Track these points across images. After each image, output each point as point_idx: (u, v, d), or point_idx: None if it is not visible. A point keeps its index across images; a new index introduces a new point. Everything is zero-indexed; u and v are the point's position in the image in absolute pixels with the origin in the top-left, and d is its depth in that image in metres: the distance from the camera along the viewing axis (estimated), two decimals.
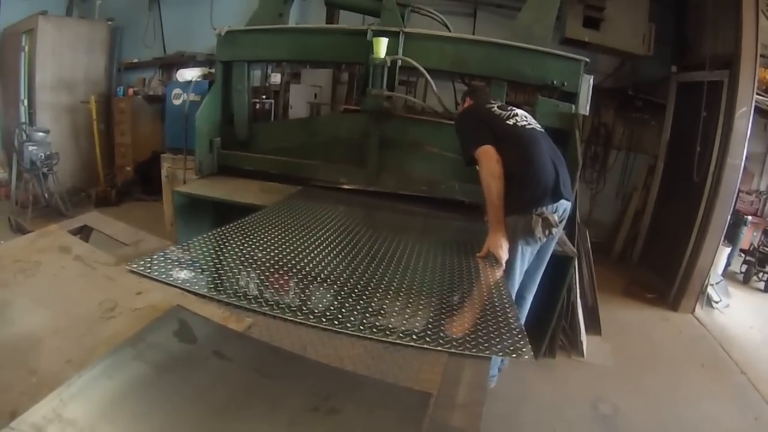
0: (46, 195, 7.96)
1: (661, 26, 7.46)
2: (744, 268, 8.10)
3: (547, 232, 3.39)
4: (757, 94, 6.31)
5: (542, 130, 3.70)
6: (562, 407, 4.23)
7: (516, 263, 3.46)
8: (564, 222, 3.66)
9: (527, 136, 3.51)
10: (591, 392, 4.46)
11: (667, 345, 5.72)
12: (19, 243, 2.66)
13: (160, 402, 1.53)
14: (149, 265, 2.42)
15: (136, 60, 10.06)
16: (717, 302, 6.85)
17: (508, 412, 3.99)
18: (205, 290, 2.25)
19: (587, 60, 4.53)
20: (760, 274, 7.95)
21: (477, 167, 3.46)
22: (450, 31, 5.27)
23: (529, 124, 3.62)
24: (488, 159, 3.36)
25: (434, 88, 4.62)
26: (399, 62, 4.57)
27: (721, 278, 7.25)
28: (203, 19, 8.89)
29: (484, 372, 1.91)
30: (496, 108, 3.68)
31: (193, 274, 2.46)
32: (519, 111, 3.70)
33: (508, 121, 3.55)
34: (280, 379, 1.71)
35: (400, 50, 4.58)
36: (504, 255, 3.31)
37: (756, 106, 6.31)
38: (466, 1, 8.37)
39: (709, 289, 6.76)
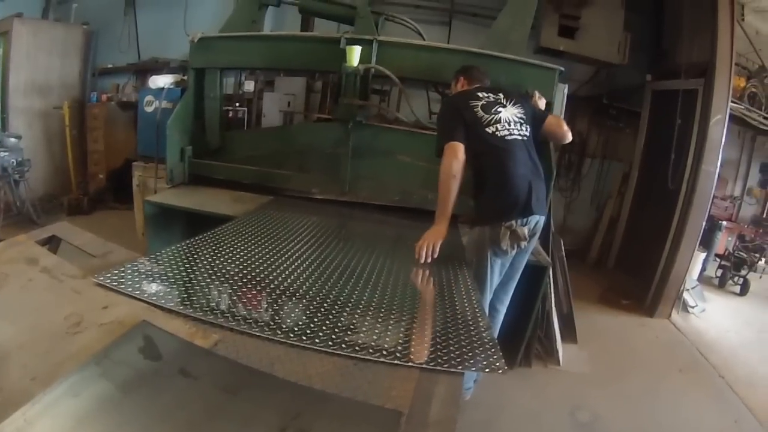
0: (18, 203, 7.79)
1: (637, 35, 7.51)
2: (719, 272, 8.23)
3: (515, 245, 3.38)
4: (732, 101, 6.38)
5: (525, 137, 3.59)
6: (541, 415, 4.23)
7: (486, 275, 3.45)
8: (536, 235, 3.63)
9: (502, 149, 3.44)
10: (569, 400, 4.45)
11: (644, 351, 5.75)
12: None
13: (127, 421, 1.49)
14: (117, 278, 2.36)
15: (110, 65, 9.92)
16: (693, 307, 6.91)
17: (486, 419, 3.98)
18: (173, 305, 2.19)
19: (562, 69, 4.53)
20: (736, 278, 8.06)
21: None
22: (424, 40, 5.26)
23: (510, 134, 3.50)
24: (451, 155, 3.34)
25: (406, 95, 4.61)
26: (372, 71, 4.54)
27: (697, 283, 7.33)
28: (178, 26, 8.75)
29: (456, 387, 1.87)
30: (479, 108, 3.55)
31: (161, 287, 2.40)
32: (504, 115, 3.57)
33: (487, 128, 3.47)
34: (247, 398, 1.67)
35: (374, 59, 4.55)
36: (435, 249, 3.30)
37: (730, 114, 6.37)
38: (441, 10, 8.39)
39: (685, 294, 6.82)
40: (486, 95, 3.65)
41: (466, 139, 3.40)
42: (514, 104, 3.67)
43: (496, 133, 3.47)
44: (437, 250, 3.30)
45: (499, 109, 3.58)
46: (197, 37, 4.98)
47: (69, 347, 1.81)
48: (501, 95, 3.68)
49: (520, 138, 3.55)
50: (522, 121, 3.62)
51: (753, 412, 4.58)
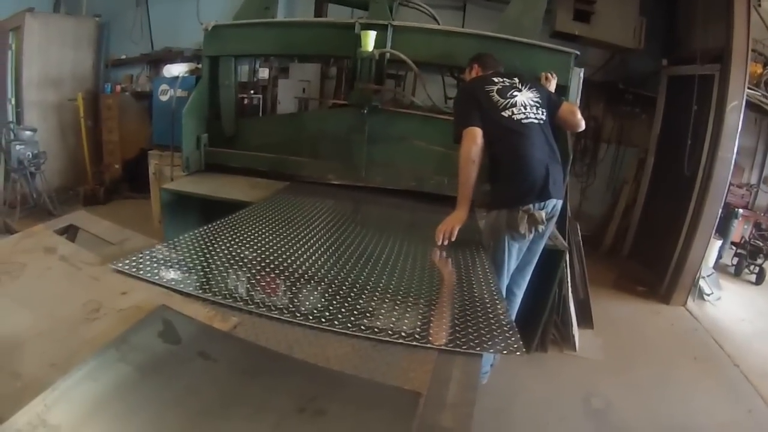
0: (34, 194, 7.89)
1: (652, 19, 7.44)
2: (735, 260, 8.13)
3: (532, 229, 3.36)
4: (748, 88, 6.31)
5: (542, 120, 3.58)
6: (555, 402, 4.22)
7: (504, 259, 3.44)
8: (554, 219, 3.62)
9: (519, 132, 3.43)
10: (583, 386, 4.45)
11: (659, 338, 5.71)
12: (4, 244, 2.62)
13: (146, 404, 1.49)
14: (134, 264, 2.37)
15: (123, 56, 9.97)
16: (708, 295, 6.86)
17: (500, 407, 3.97)
18: (191, 289, 2.20)
19: (578, 53, 4.50)
20: (752, 267, 7.97)
21: None
22: (439, 24, 5.23)
23: (526, 117, 3.49)
24: (470, 140, 3.35)
25: (422, 80, 4.60)
26: (387, 55, 4.53)
27: (713, 271, 7.27)
28: (190, 15, 8.82)
29: (474, 370, 1.87)
30: (495, 93, 3.54)
31: (179, 272, 2.41)
32: (519, 99, 3.55)
33: (503, 112, 3.46)
34: (266, 380, 1.68)
35: (389, 43, 4.55)
36: (453, 233, 3.31)
37: (747, 100, 6.30)
38: None
39: (701, 282, 6.77)
40: (501, 80, 3.64)
41: (482, 124, 3.40)
42: (529, 88, 3.65)
43: (513, 116, 3.46)
44: (455, 233, 3.30)
45: (515, 93, 3.56)
46: (211, 25, 4.99)
47: (88, 333, 1.81)
48: (516, 80, 3.66)
49: (536, 121, 3.53)
50: (538, 105, 3.60)
51: (767, 401, 4.55)
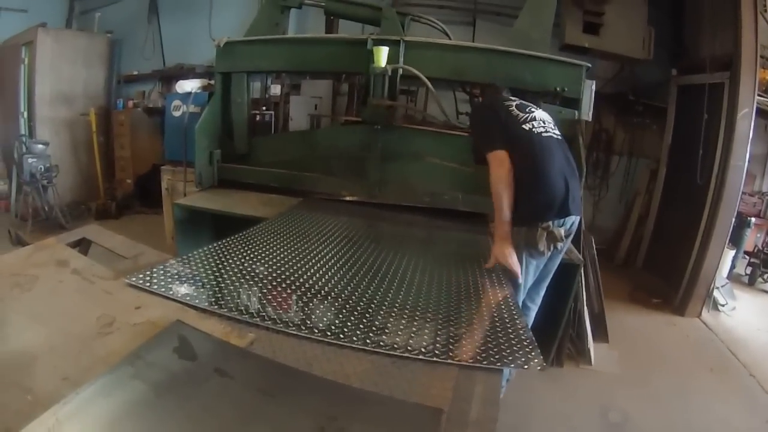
0: (46, 208, 7.95)
1: (660, 30, 7.44)
2: (749, 270, 8.06)
3: (552, 247, 3.31)
4: (759, 95, 6.29)
5: (559, 137, 3.55)
6: (571, 416, 4.18)
7: (521, 276, 3.40)
8: (572, 236, 3.55)
9: (540, 145, 3.36)
10: (600, 400, 4.41)
11: (674, 350, 5.67)
12: (17, 256, 2.64)
13: (160, 423, 1.49)
14: (148, 278, 2.38)
15: (135, 72, 10.08)
16: (723, 305, 6.80)
17: (516, 422, 3.94)
18: (206, 304, 2.21)
19: (589, 65, 4.51)
20: (766, 276, 7.90)
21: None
22: (450, 39, 5.24)
23: (546, 131, 3.44)
24: (500, 166, 3.23)
25: (436, 96, 4.60)
26: (400, 71, 4.55)
27: (727, 281, 7.21)
28: (202, 31, 8.91)
29: (496, 386, 1.86)
30: (514, 107, 3.51)
31: (193, 287, 2.42)
32: (538, 114, 3.54)
33: (524, 125, 3.40)
34: (284, 398, 1.67)
35: (401, 59, 4.56)
36: (514, 264, 3.20)
37: (757, 108, 6.27)
38: (465, 10, 8.36)
39: (715, 292, 6.71)
40: (516, 99, 3.65)
41: (505, 141, 3.32)
42: (543, 109, 3.68)
43: (533, 129, 3.40)
44: (515, 266, 3.22)
45: (533, 109, 3.56)
46: (223, 41, 5.02)
47: (100, 349, 1.81)
48: (533, 106, 3.67)
49: (555, 137, 3.50)
50: (553, 122, 3.60)
51: None
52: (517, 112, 3.48)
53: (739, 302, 7.09)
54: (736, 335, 6.09)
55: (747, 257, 8.10)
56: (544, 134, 3.43)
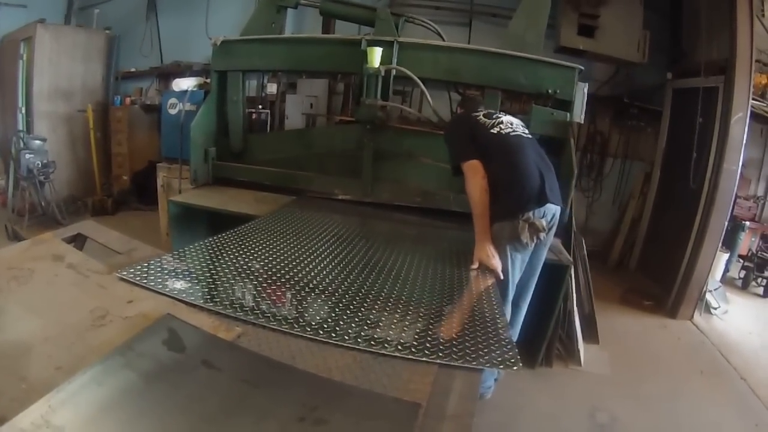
0: (43, 203, 7.96)
1: (656, 33, 7.45)
2: (742, 273, 8.06)
3: (534, 238, 3.40)
4: (753, 99, 6.31)
5: (529, 136, 3.76)
6: (560, 417, 4.19)
7: (507, 271, 3.45)
8: (554, 228, 3.65)
9: (511, 143, 3.58)
10: (588, 401, 4.41)
11: (665, 352, 5.67)
12: (13, 250, 2.68)
13: (149, 410, 1.54)
14: (141, 273, 2.41)
15: (133, 69, 10.09)
16: (715, 308, 6.81)
17: (504, 422, 3.96)
18: (195, 299, 2.24)
19: (581, 68, 4.53)
20: (759, 280, 7.91)
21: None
22: (444, 41, 5.27)
23: (513, 131, 3.67)
24: (474, 174, 3.44)
25: (428, 97, 4.63)
26: (393, 72, 4.57)
27: (720, 284, 7.22)
28: (199, 29, 8.95)
29: (474, 382, 1.90)
30: (481, 116, 3.75)
31: (185, 282, 2.46)
32: (505, 118, 3.77)
33: (492, 130, 3.63)
34: (268, 389, 1.71)
35: (395, 60, 4.60)
36: (497, 264, 3.33)
37: (752, 112, 6.29)
38: (461, 11, 8.38)
39: (708, 296, 6.72)
40: (485, 110, 3.92)
41: (477, 150, 3.52)
42: (513, 115, 3.90)
43: (501, 131, 3.64)
44: (497, 266, 3.34)
45: (499, 115, 3.80)
46: (219, 40, 5.05)
47: (94, 340, 1.86)
48: (500, 112, 3.94)
49: (524, 135, 3.72)
50: (523, 125, 3.83)
51: None
52: (484, 119, 3.73)
53: (731, 306, 7.10)
54: (728, 339, 6.09)
55: (741, 261, 8.11)
56: (512, 134, 3.65)
